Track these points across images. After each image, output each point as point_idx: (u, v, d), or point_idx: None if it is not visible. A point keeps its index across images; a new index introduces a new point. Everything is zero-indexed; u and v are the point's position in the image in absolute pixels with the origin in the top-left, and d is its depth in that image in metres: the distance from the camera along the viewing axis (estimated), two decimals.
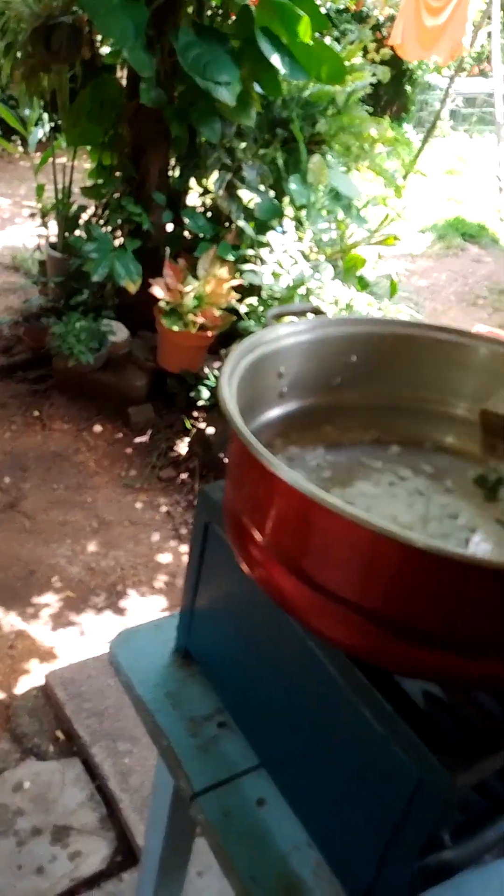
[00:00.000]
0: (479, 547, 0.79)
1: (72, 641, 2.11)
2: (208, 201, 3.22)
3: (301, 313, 0.94)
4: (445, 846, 0.60)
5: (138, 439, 2.94)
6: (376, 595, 0.62)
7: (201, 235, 3.04)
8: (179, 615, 0.95)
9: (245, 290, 2.93)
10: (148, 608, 2.25)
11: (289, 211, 3.24)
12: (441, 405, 0.94)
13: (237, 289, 2.90)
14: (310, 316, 0.92)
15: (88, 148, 3.19)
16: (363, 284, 3.04)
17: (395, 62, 6.61)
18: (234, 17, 2.92)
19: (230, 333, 2.94)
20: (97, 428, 2.98)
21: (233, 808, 0.78)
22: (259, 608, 0.77)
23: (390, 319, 0.95)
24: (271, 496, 0.67)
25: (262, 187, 3.14)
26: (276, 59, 2.69)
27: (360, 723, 0.64)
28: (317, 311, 0.93)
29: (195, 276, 2.88)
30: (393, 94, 8.09)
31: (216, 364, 2.96)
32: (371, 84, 3.50)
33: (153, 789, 1.04)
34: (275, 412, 0.90)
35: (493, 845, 0.61)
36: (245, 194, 3.10)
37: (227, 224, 3.14)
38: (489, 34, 6.65)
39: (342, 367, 0.92)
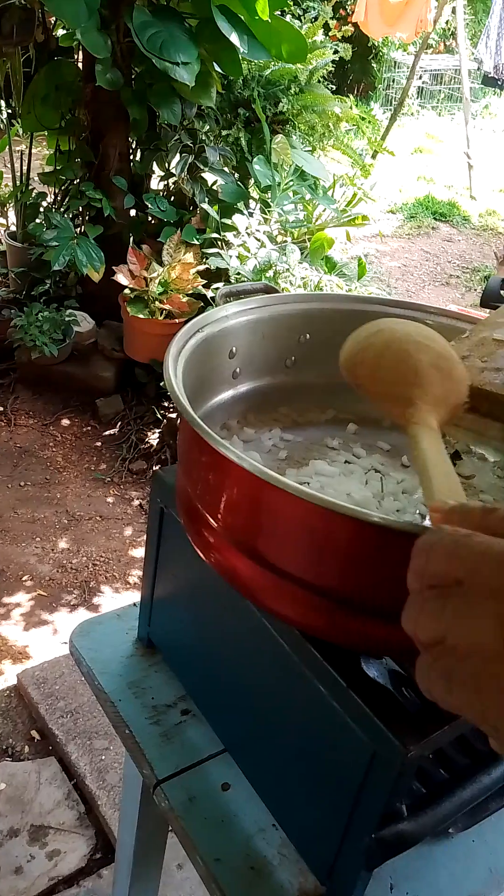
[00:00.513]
0: None
1: (44, 640, 2.08)
2: (171, 185, 3.18)
3: (252, 292, 0.92)
4: (403, 818, 0.60)
5: (107, 432, 2.90)
6: (331, 572, 0.61)
7: (165, 220, 3.00)
8: (140, 604, 0.93)
9: (212, 275, 2.89)
10: (122, 604, 2.22)
11: (254, 193, 3.21)
12: None
13: (203, 274, 2.86)
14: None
15: (46, 133, 3.13)
16: (331, 265, 3.02)
17: (360, 40, 6.57)
18: None
19: None
20: (64, 422, 2.93)
21: (197, 794, 0.78)
22: (216, 591, 0.76)
23: (340, 295, 0.94)
24: (221, 478, 0.66)
25: (225, 169, 3.10)
26: (234, 38, 2.65)
27: (317, 700, 0.64)
28: (268, 290, 0.92)
29: (160, 262, 2.84)
30: (359, 73, 8.04)
31: None
32: (337, 62, 3.46)
33: (123, 781, 1.03)
34: (229, 393, 0.89)
35: (449, 816, 0.61)
36: (209, 177, 3.06)
37: (191, 208, 3.10)
38: (454, 10, 6.62)
39: (295, 345, 0.91)
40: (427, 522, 0.77)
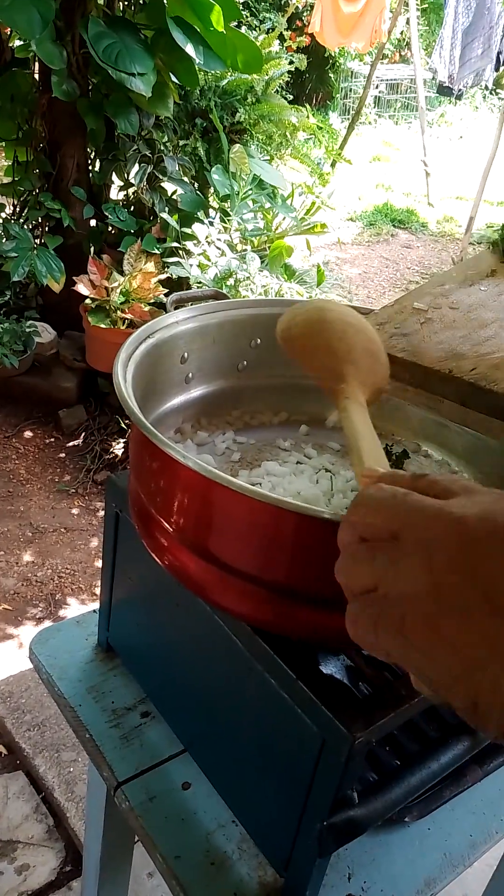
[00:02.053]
0: None
1: (10, 655, 2.06)
2: (131, 195, 3.19)
3: (202, 298, 0.94)
4: (354, 804, 0.62)
5: (71, 443, 2.89)
6: (281, 567, 0.63)
7: (125, 230, 3.00)
8: (98, 609, 0.94)
9: (173, 284, 2.90)
10: None
11: (213, 202, 3.24)
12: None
13: (164, 283, 2.87)
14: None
15: (3, 144, 3.11)
16: (289, 273, 3.06)
17: (316, 50, 6.68)
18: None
19: None
20: (27, 433, 2.91)
21: (157, 794, 0.78)
22: (171, 593, 0.77)
23: (288, 300, 0.96)
24: (170, 480, 0.67)
25: (184, 179, 3.12)
26: (190, 49, 2.67)
27: (269, 693, 0.65)
28: (218, 296, 0.93)
29: (121, 272, 2.84)
30: (317, 83, 8.16)
31: None
32: (295, 72, 3.51)
33: (87, 789, 1.03)
34: (182, 398, 0.90)
35: (399, 801, 0.63)
36: (168, 186, 3.08)
37: (150, 217, 3.11)
38: (408, 20, 6.76)
39: (247, 349, 0.93)
40: None
